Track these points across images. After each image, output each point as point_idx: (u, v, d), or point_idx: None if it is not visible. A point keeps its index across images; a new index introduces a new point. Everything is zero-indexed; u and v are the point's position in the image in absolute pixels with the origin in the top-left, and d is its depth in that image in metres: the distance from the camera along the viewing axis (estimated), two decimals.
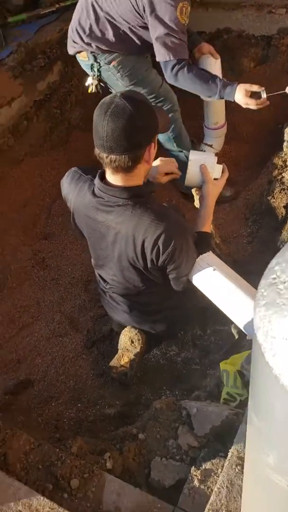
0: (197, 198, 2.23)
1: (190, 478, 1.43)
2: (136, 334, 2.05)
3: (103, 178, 1.60)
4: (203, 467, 1.45)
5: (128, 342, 2.05)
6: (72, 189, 1.74)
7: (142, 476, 1.54)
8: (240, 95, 2.39)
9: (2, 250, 2.94)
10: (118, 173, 1.51)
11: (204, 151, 3.18)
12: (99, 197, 1.61)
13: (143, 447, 1.60)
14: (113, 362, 2.11)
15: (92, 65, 2.63)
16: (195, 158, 1.97)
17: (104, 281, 2.03)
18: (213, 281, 1.64)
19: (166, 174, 1.93)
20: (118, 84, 2.68)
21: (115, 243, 1.67)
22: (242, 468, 1.35)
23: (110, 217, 1.61)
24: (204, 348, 2.20)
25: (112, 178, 1.54)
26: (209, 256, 1.73)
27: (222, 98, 2.50)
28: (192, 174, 1.97)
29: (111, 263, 1.80)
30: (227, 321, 2.16)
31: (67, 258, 2.93)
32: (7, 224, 3.07)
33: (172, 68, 2.35)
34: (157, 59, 2.39)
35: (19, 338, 2.51)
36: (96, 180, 1.61)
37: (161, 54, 2.34)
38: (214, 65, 2.73)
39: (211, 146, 3.17)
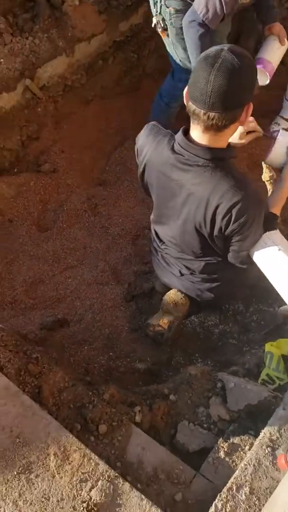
0: (266, 172, 2.15)
1: (216, 448, 1.44)
2: (181, 298, 2.03)
3: (186, 134, 1.53)
4: (231, 440, 1.45)
5: (172, 305, 2.04)
6: (149, 141, 1.67)
7: (167, 436, 1.57)
8: None
9: (58, 189, 2.94)
10: (208, 132, 1.44)
11: (279, 124, 3.05)
12: (178, 154, 1.54)
13: (173, 408, 1.61)
14: (152, 320, 2.11)
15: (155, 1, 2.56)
16: (284, 140, 1.88)
17: (160, 240, 1.99)
18: (277, 261, 1.58)
19: (248, 133, 1.84)
20: (171, 29, 2.59)
21: (184, 204, 1.62)
22: (273, 450, 1.35)
23: (187, 176, 1.55)
24: (244, 325, 2.18)
25: (199, 136, 1.47)
26: (275, 234, 1.66)
27: None
28: (277, 154, 1.88)
29: (173, 224, 1.76)
30: (274, 303, 2.12)
31: (119, 208, 2.91)
32: (67, 163, 3.05)
33: (192, 21, 2.26)
34: (194, 2, 2.28)
35: (61, 278, 2.53)
36: (179, 136, 1.54)
37: (197, 4, 2.23)
38: (275, 50, 2.57)
39: (287, 120, 3.03)
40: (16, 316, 2.32)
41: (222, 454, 1.43)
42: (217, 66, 1.30)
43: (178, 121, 3.20)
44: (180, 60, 2.69)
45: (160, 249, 2.02)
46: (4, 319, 2.28)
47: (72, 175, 3.02)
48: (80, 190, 2.97)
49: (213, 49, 1.35)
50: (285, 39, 2.55)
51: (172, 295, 2.06)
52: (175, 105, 3.01)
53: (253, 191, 1.52)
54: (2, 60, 2.73)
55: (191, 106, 1.41)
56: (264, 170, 2.15)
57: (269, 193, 2.09)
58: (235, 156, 1.62)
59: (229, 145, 1.59)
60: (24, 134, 3.00)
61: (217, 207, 1.51)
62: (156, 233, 2.00)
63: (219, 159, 1.50)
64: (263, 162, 2.11)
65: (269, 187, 2.16)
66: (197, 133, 1.47)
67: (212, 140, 1.46)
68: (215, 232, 1.59)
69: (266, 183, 2.18)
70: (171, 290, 2.09)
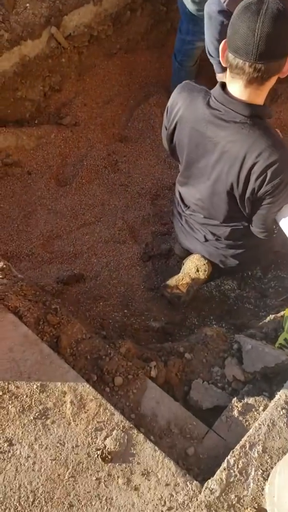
0: None
1: (230, 407, 1.46)
2: (204, 264, 1.99)
3: (223, 89, 1.47)
4: (245, 400, 1.46)
5: (193, 269, 2.01)
6: (182, 98, 1.60)
7: (181, 392, 1.58)
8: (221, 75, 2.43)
9: (78, 143, 2.89)
10: (250, 86, 1.37)
11: None
12: (214, 109, 1.48)
13: (188, 366, 1.62)
14: (171, 282, 2.09)
15: None
16: None
17: (185, 205, 1.94)
18: None
19: None
20: None
21: (217, 163, 1.57)
22: None
23: (222, 133, 1.50)
24: (262, 290, 2.17)
25: (240, 90, 1.40)
26: None
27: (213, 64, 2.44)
28: None
29: (202, 185, 1.71)
30: None
31: (140, 167, 2.86)
32: (88, 117, 2.99)
33: (220, 12, 2.13)
34: None
35: (79, 234, 2.52)
36: (216, 90, 1.47)
37: None
38: None
39: None
40: (32, 268, 2.33)
41: (235, 413, 1.44)
42: (263, 12, 1.23)
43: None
44: (188, 11, 2.60)
45: (185, 214, 1.97)
46: (21, 271, 2.29)
47: (93, 129, 2.96)
48: (101, 145, 2.91)
49: None
50: None
51: (195, 260, 2.03)
52: (188, 64, 2.91)
53: None
54: (28, 4, 2.63)
55: (233, 59, 1.33)
56: None
57: None
58: (272, 116, 1.56)
59: (265, 103, 1.52)
60: (46, 85, 2.93)
61: (252, 166, 1.46)
62: (181, 197, 1.95)
63: (257, 117, 1.44)
64: None
65: None
66: (238, 87, 1.40)
67: (252, 95, 1.40)
68: (247, 193, 1.55)
69: None
70: (194, 255, 2.06)
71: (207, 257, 2.01)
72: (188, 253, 2.14)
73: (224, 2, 2.10)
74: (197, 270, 2.00)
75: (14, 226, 2.52)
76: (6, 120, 2.84)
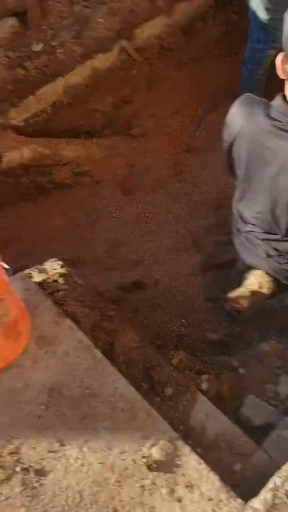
0: None
1: (282, 426, 1.42)
2: (267, 281, 1.94)
3: (285, 99, 1.46)
4: None
5: (256, 285, 1.97)
6: (241, 112, 1.59)
7: (232, 408, 1.56)
8: None
9: (145, 153, 2.95)
10: None
11: None
12: (275, 120, 1.47)
13: (241, 381, 1.60)
14: (233, 294, 2.06)
15: None
16: None
17: (243, 221, 1.92)
18: None
19: None
20: None
21: (278, 175, 1.54)
22: None
23: (283, 144, 1.48)
24: None
25: None
26: None
27: None
28: None
29: (261, 198, 1.69)
30: None
31: (205, 176, 2.86)
32: (156, 127, 3.04)
33: None
34: None
35: (141, 241, 2.57)
36: (277, 101, 1.46)
37: None
38: None
39: None
40: (95, 274, 2.41)
41: (286, 432, 1.40)
42: None
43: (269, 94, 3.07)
44: (259, 20, 2.55)
45: (244, 231, 1.94)
46: (84, 276, 2.37)
47: (160, 139, 3.02)
48: (167, 155, 2.96)
49: None
50: None
51: (259, 276, 1.98)
52: (259, 72, 2.86)
53: None
54: (101, 19, 2.74)
55: None
56: None
57: None
58: None
59: None
60: (117, 97, 3.01)
61: None
62: (240, 214, 1.92)
63: None
64: None
65: None
66: None
67: None
68: None
69: None
70: (258, 271, 2.01)
71: (271, 273, 1.95)
72: (250, 267, 2.10)
73: None
74: (260, 287, 1.96)
75: (80, 233, 2.62)
76: (78, 131, 2.97)
